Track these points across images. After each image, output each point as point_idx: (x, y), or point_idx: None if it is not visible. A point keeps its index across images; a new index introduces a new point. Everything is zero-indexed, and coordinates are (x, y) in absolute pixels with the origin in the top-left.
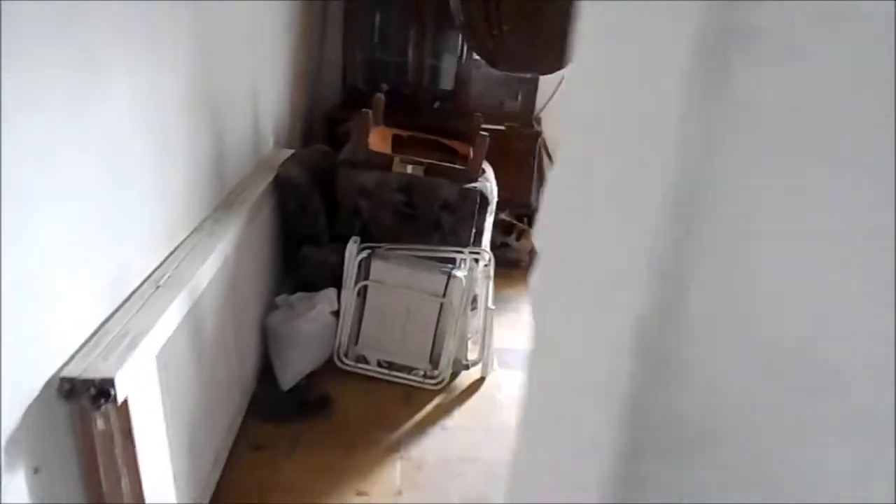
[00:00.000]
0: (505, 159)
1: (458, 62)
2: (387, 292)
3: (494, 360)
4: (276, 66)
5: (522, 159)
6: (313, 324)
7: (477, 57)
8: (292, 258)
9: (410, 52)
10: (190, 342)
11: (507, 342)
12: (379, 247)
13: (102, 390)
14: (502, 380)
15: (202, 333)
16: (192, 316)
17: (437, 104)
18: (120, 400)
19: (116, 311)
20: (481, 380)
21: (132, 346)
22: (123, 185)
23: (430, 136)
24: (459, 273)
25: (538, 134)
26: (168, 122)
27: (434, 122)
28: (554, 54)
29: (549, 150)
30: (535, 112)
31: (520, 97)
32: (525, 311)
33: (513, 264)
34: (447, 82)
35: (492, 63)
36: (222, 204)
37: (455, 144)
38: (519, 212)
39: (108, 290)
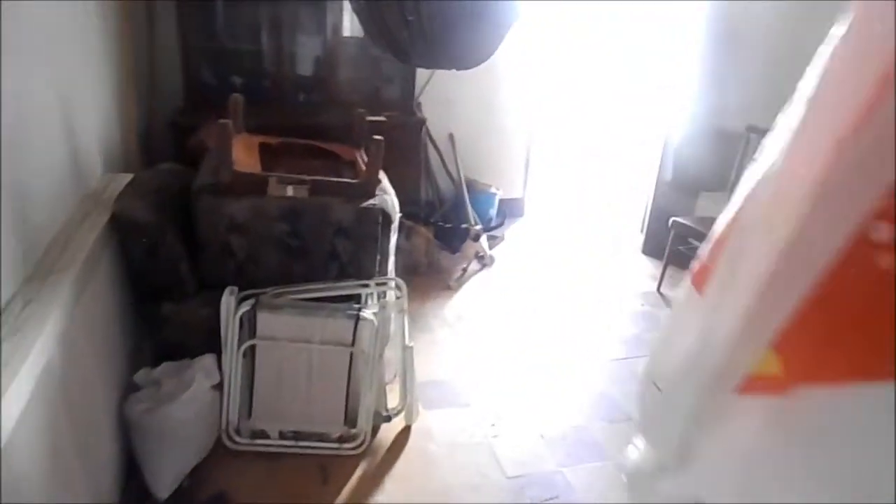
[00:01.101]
0: (387, 153)
1: (322, 44)
2: (281, 349)
3: (418, 404)
4: (93, 70)
5: (407, 151)
6: (189, 407)
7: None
8: (150, 319)
9: (264, 36)
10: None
11: (425, 372)
12: (264, 293)
13: None
14: (431, 424)
15: (20, 473)
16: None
17: (302, 96)
18: None
19: None
20: (407, 429)
21: None
22: None
23: (305, 140)
24: (368, 313)
25: (422, 122)
26: None
27: (303, 117)
28: (475, 49)
29: (433, 138)
30: (415, 97)
31: (397, 82)
32: (441, 329)
33: (410, 270)
34: (311, 68)
35: (403, 58)
36: (34, 276)
37: (336, 148)
38: (408, 210)
39: None
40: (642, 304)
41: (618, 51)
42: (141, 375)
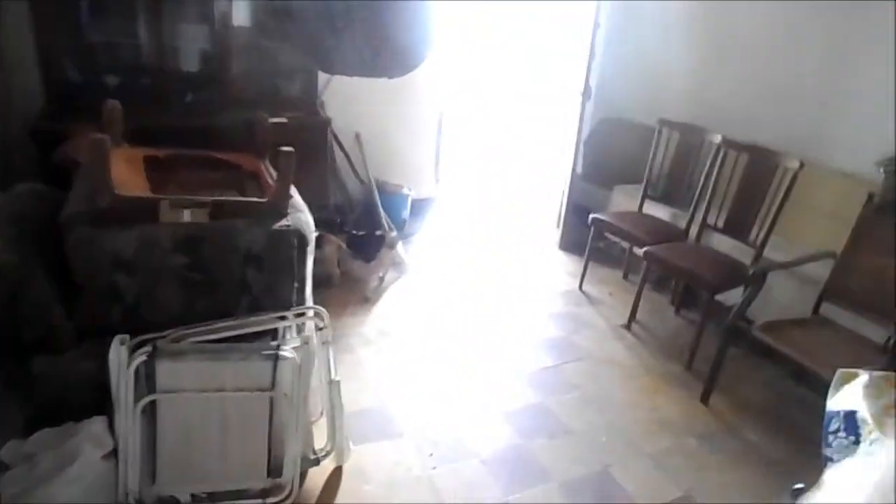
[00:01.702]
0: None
1: (210, 35)
2: (188, 402)
3: (348, 440)
4: None
5: (312, 154)
6: (75, 485)
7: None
8: (17, 379)
9: (141, 27)
10: None
11: (352, 401)
12: (162, 337)
13: None
14: (364, 462)
15: None
16: None
17: (191, 95)
18: None
19: None
20: (338, 471)
21: None
22: None
23: (200, 150)
24: (288, 350)
25: (326, 122)
26: None
27: (192, 120)
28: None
29: (339, 139)
30: (318, 95)
31: (297, 79)
32: (363, 347)
33: (321, 282)
34: (199, 63)
35: (328, 67)
36: None
37: (236, 157)
38: (317, 217)
39: None
40: (566, 305)
41: (525, 47)
42: (9, 450)
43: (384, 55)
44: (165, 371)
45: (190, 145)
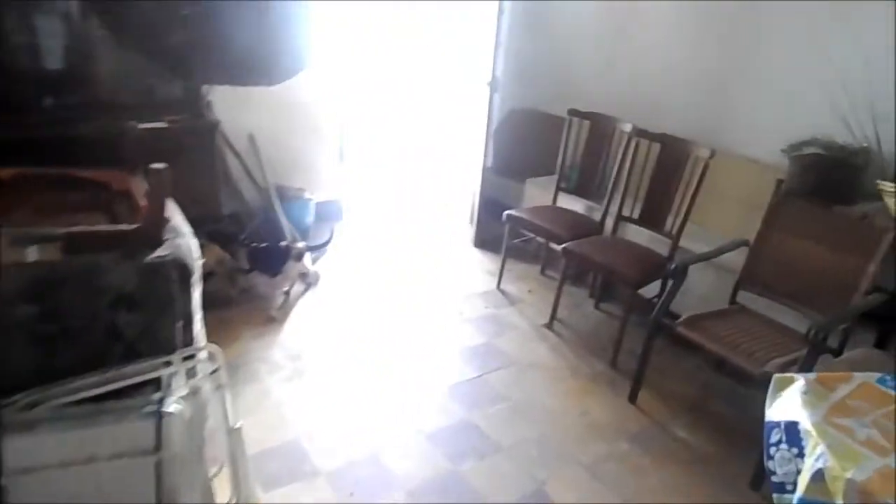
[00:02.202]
0: (176, 164)
1: (68, 29)
2: (49, 482)
3: (256, 488)
4: None
5: (200, 160)
6: None
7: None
8: None
9: None
10: None
11: (259, 440)
12: (10, 404)
13: None
14: None
15: None
16: None
17: (50, 100)
18: None
19: None
20: None
21: None
22: None
23: (57, 168)
24: (174, 403)
25: (214, 124)
26: None
27: (51, 130)
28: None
29: (231, 142)
30: (203, 95)
31: (178, 78)
32: (271, 375)
33: (220, 303)
34: (59, 60)
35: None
36: None
37: (103, 174)
38: (209, 229)
39: None
40: (486, 307)
41: (430, 39)
42: None
43: (255, 62)
44: (17, 447)
45: (47, 162)
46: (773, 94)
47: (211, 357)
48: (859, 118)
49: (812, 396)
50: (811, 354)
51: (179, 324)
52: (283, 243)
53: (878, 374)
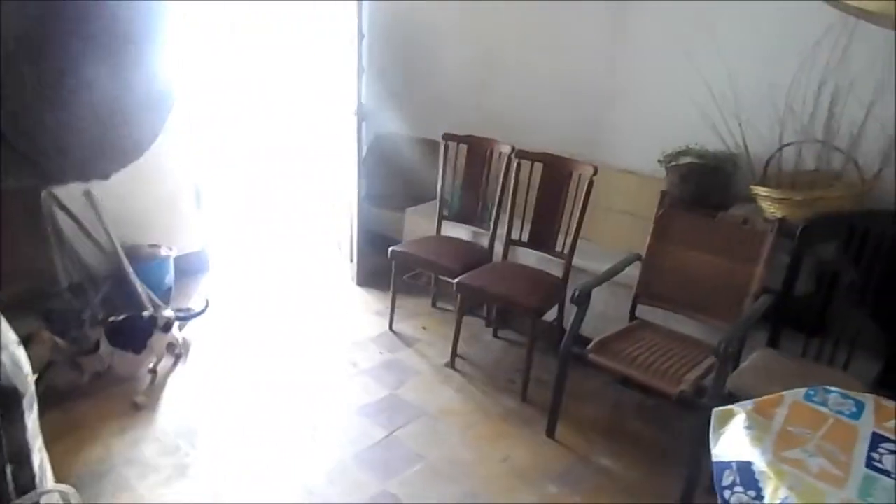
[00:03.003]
0: None
1: None
2: None
3: None
4: None
5: (23, 226)
6: None
7: None
8: None
9: None
10: None
11: None
12: None
13: None
14: None
15: None
16: None
17: None
18: None
19: None
20: None
21: None
22: None
23: None
24: None
25: (37, 183)
26: None
27: None
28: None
29: (62, 201)
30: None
31: None
32: (143, 479)
33: (67, 398)
34: None
35: None
36: None
37: None
38: (46, 307)
39: None
40: (380, 352)
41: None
42: None
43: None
44: None
45: None
46: (648, 107)
47: (64, 498)
48: (728, 125)
49: (757, 431)
50: (722, 368)
51: (8, 468)
52: (147, 313)
53: (802, 391)
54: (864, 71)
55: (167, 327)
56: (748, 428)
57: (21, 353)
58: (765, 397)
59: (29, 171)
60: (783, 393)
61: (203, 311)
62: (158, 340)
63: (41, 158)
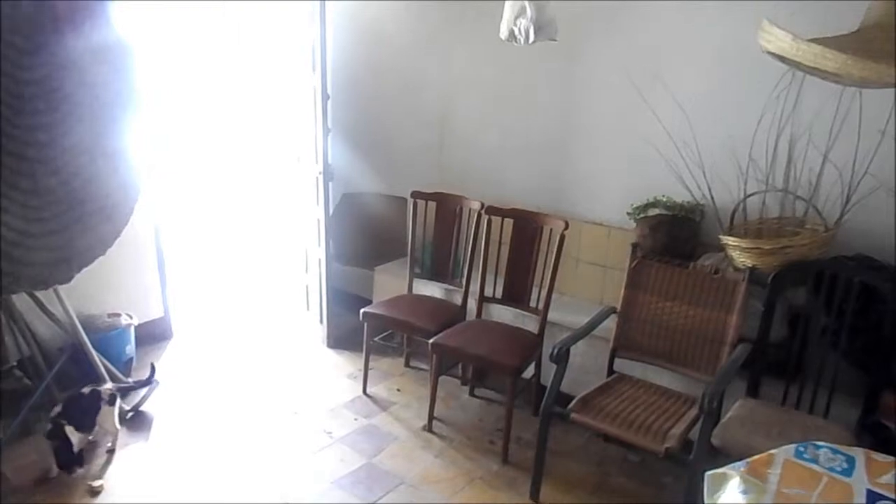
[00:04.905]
0: None
1: None
2: None
3: None
4: None
5: None
6: None
7: None
8: None
9: None
10: None
11: None
12: None
13: None
14: None
15: None
16: None
17: None
18: None
19: None
20: None
21: None
22: None
23: None
24: None
25: None
26: None
27: None
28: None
29: None
30: None
31: None
32: None
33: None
34: None
35: None
36: None
37: None
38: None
39: None
40: (355, 418)
41: (255, 127)
42: None
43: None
44: None
45: None
46: (613, 159)
47: None
48: (693, 175)
49: (754, 495)
50: (707, 421)
51: None
52: (89, 388)
53: (793, 448)
54: (818, 119)
55: (113, 400)
56: (744, 493)
57: None
58: (756, 457)
59: None
60: (773, 451)
61: (149, 381)
62: (107, 416)
63: None
